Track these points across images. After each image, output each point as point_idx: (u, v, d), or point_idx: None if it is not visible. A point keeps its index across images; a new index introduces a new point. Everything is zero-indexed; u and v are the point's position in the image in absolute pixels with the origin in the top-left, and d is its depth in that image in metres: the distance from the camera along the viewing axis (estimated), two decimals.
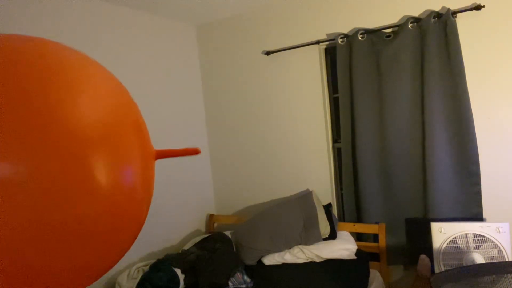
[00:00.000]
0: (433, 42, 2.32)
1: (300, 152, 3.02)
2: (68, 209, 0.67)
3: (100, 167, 0.70)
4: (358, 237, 2.75)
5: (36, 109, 0.65)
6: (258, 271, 2.46)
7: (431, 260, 2.24)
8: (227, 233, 2.89)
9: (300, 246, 2.51)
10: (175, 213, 3.07)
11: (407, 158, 2.51)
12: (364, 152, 2.61)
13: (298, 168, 3.05)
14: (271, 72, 3.08)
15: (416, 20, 2.39)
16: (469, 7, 2.23)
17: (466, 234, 2.11)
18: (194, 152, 0.95)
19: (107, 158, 0.72)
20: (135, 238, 0.88)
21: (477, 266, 1.70)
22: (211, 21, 3.34)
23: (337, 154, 2.92)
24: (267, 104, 3.14)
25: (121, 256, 0.85)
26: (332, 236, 2.57)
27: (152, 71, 2.96)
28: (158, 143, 2.92)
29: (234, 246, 2.68)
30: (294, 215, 2.60)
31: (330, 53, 2.87)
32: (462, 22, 2.30)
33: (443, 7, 2.34)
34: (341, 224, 2.73)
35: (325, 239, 2.56)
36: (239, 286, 2.31)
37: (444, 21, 2.28)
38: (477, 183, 2.30)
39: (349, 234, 2.65)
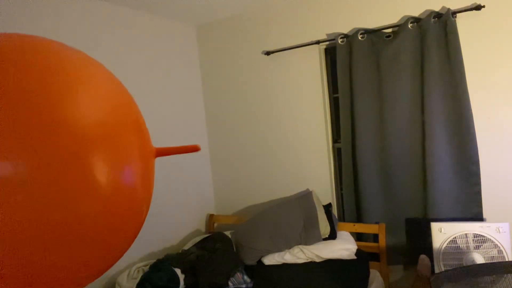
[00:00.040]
0: (433, 42, 2.32)
1: (300, 152, 3.02)
2: (68, 209, 0.67)
3: (100, 167, 0.70)
4: (358, 237, 2.75)
5: (36, 109, 0.65)
6: (258, 271, 2.46)
7: (431, 260, 2.24)
8: (227, 233, 2.89)
9: (300, 246, 2.51)
10: (175, 213, 3.08)
11: (407, 158, 2.51)
12: (364, 152, 2.61)
13: (298, 168, 3.05)
14: (271, 72, 3.08)
15: (416, 20, 2.39)
16: (469, 7, 2.24)
17: (466, 234, 2.11)
18: (194, 149, 0.94)
19: (107, 158, 0.72)
20: (135, 238, 0.88)
21: (477, 266, 1.70)
22: (211, 21, 3.34)
23: (337, 154, 2.92)
24: (267, 104, 3.14)
25: (120, 255, 0.85)
26: (332, 236, 2.57)
27: (152, 71, 2.96)
28: (158, 144, 2.92)
29: (234, 246, 2.68)
30: (294, 215, 2.60)
31: (330, 53, 2.87)
32: (462, 22, 2.30)
33: (443, 7, 2.34)
34: (341, 224, 2.73)
35: (325, 239, 2.56)
36: (239, 286, 2.31)
37: (444, 21, 2.28)
38: (477, 183, 2.30)
39: (349, 234, 2.65)
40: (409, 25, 2.39)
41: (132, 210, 0.80)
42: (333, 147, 2.90)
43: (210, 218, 3.35)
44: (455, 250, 2.13)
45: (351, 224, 2.69)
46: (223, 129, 3.41)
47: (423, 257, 2.23)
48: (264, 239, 2.55)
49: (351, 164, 2.71)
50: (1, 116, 0.62)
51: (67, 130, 0.67)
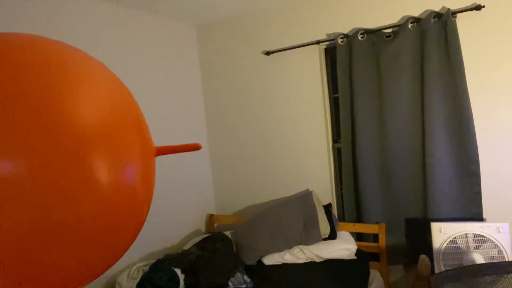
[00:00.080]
0: (433, 42, 2.32)
1: (300, 152, 3.02)
2: (68, 209, 0.67)
3: (100, 166, 0.70)
4: (358, 237, 2.75)
5: (36, 109, 0.65)
6: (258, 271, 2.46)
7: (431, 260, 2.24)
8: (227, 233, 2.89)
9: (300, 246, 2.51)
10: (175, 213, 3.08)
11: (407, 158, 2.51)
12: (364, 152, 2.61)
13: (298, 168, 3.05)
14: (271, 72, 3.08)
15: (416, 20, 2.39)
16: (469, 7, 2.24)
17: (466, 234, 2.11)
18: (195, 147, 0.94)
19: (108, 157, 0.72)
20: (135, 238, 0.88)
21: (477, 266, 1.70)
22: (211, 21, 3.34)
23: (337, 154, 2.92)
24: (267, 104, 3.14)
25: (121, 255, 0.85)
26: (332, 236, 2.57)
27: (152, 71, 2.96)
28: (158, 143, 2.92)
29: (234, 246, 2.68)
30: (294, 215, 2.60)
31: (330, 53, 2.87)
32: (462, 22, 2.30)
33: (443, 7, 2.34)
34: (341, 224, 2.73)
35: (325, 239, 2.56)
36: (239, 286, 2.31)
37: (444, 21, 2.28)
38: (477, 183, 2.30)
39: (349, 234, 2.65)
40: (409, 25, 2.39)
41: (132, 210, 0.80)
42: (333, 147, 2.90)
43: (210, 218, 3.35)
44: (455, 250, 2.13)
45: (351, 224, 2.69)
46: (223, 129, 3.41)
47: (423, 257, 2.23)
48: (264, 239, 2.55)
49: (351, 164, 2.71)
50: (1, 116, 0.62)
51: (67, 130, 0.67)
